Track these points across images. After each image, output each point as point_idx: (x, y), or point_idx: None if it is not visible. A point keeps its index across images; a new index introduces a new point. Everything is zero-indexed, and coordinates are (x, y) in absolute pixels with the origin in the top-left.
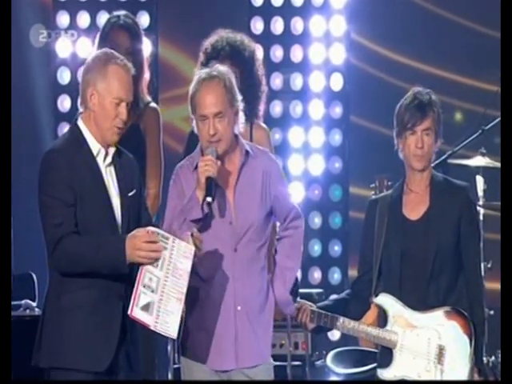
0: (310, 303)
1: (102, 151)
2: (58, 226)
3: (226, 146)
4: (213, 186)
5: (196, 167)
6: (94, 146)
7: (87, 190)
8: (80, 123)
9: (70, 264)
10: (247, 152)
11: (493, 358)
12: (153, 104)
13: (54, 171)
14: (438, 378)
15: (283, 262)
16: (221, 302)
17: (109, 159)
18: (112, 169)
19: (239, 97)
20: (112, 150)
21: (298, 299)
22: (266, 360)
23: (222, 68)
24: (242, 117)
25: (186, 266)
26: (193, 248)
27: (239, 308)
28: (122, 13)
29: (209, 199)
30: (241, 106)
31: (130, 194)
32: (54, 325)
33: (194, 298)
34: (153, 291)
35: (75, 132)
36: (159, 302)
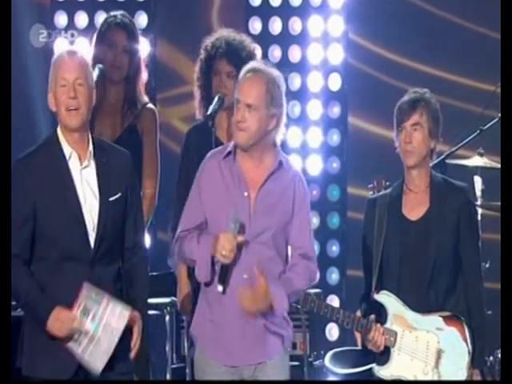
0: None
1: (74, 154)
2: (12, 245)
3: (248, 139)
4: (227, 274)
5: (227, 155)
6: (66, 149)
7: (50, 197)
8: (58, 129)
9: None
10: (281, 162)
11: (491, 357)
12: (150, 105)
13: (13, 183)
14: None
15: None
16: (229, 300)
17: (86, 162)
18: (91, 171)
19: (282, 106)
20: (88, 152)
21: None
22: (273, 356)
23: (272, 69)
24: (282, 128)
25: (120, 325)
26: (128, 312)
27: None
28: (118, 12)
29: (220, 288)
30: (282, 117)
31: (112, 199)
32: (27, 330)
33: (206, 292)
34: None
35: (49, 137)
36: (89, 344)
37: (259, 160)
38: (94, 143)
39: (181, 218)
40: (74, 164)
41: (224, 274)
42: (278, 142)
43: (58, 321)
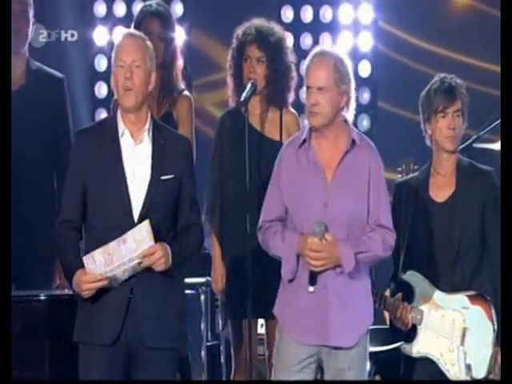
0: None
1: (127, 132)
2: (60, 212)
3: (323, 119)
4: (317, 276)
5: (302, 143)
6: (120, 126)
7: (100, 171)
8: (119, 108)
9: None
10: (354, 141)
11: None
12: (186, 92)
13: (71, 155)
14: (461, 359)
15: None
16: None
17: (139, 139)
18: (145, 149)
19: (350, 82)
20: (144, 130)
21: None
22: (348, 343)
23: (337, 50)
24: (352, 104)
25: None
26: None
27: (325, 288)
28: (154, 1)
29: (311, 289)
30: (351, 92)
31: (164, 178)
32: (78, 304)
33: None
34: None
35: (110, 115)
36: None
37: (334, 140)
38: (153, 123)
39: (263, 206)
40: (126, 141)
41: (314, 276)
42: (350, 118)
43: (79, 287)
